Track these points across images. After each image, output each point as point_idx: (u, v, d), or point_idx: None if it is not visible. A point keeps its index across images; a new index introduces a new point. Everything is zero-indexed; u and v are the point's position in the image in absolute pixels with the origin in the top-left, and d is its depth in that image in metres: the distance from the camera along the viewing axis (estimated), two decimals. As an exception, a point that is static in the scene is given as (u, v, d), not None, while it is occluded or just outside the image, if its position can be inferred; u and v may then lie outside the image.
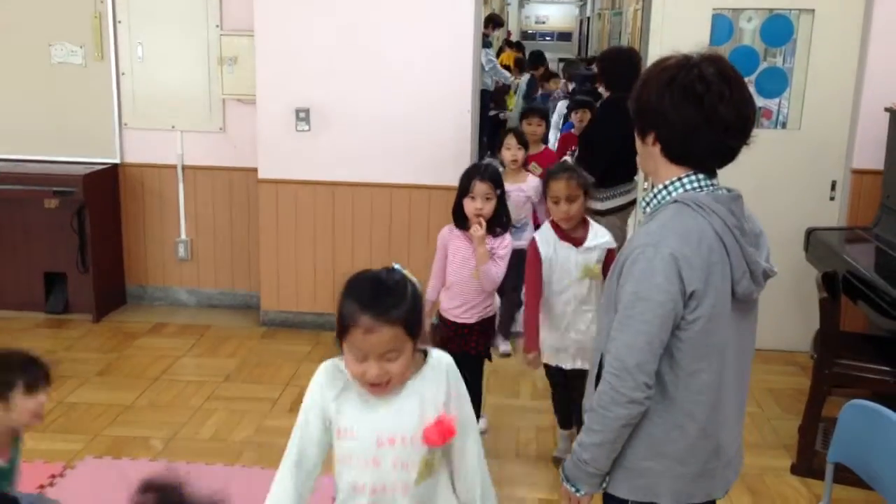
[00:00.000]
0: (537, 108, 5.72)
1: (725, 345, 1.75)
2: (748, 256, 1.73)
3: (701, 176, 1.76)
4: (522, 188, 4.50)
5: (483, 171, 3.37)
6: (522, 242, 3.89)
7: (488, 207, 3.29)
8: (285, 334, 4.93)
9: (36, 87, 5.15)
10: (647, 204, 1.82)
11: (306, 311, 4.98)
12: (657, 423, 1.75)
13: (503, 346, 4.67)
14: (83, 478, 3.36)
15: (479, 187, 3.29)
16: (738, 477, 1.92)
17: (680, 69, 1.73)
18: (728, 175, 1.82)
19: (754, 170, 4.55)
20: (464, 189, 3.33)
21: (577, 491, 1.83)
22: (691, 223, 1.70)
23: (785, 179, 4.56)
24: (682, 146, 1.75)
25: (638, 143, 1.84)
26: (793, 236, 4.27)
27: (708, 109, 1.70)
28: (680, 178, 1.76)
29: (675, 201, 1.74)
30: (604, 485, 1.84)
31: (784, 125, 4.65)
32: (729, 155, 1.76)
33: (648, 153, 1.81)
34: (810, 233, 4.17)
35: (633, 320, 1.69)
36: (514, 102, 9.63)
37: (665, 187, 1.78)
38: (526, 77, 9.76)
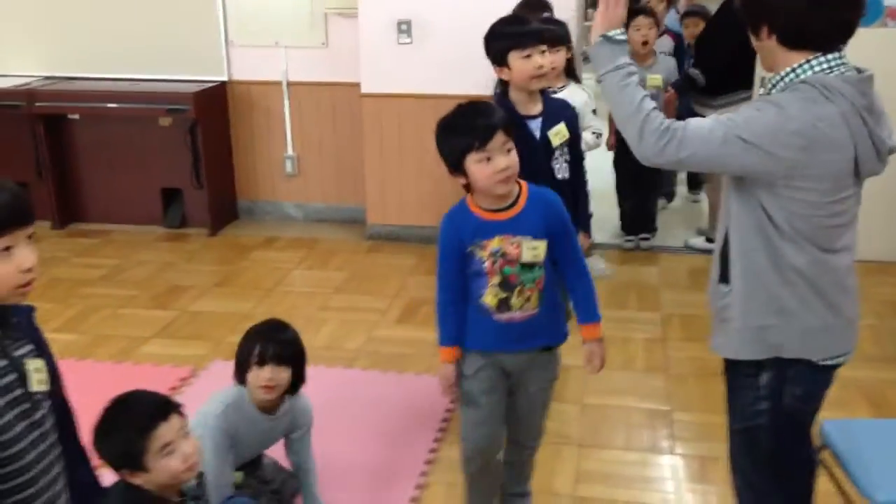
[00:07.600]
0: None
1: (836, 218, 1.77)
2: (875, 137, 1.73)
3: (829, 56, 1.73)
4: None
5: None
6: None
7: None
8: (391, 248, 5.03)
9: (142, 7, 5.25)
10: (773, 87, 1.79)
11: (411, 225, 5.05)
12: (768, 280, 1.81)
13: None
14: (216, 378, 3.56)
15: None
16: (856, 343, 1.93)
17: None
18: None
19: (879, 70, 4.29)
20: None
21: None
22: (814, 106, 1.69)
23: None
24: (798, 31, 1.72)
25: (753, 40, 1.83)
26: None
27: None
28: (808, 61, 1.73)
29: (803, 82, 1.72)
30: None
31: (915, 22, 4.32)
32: (847, 29, 1.73)
33: (766, 48, 1.79)
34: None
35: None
36: None
37: (793, 70, 1.75)
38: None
